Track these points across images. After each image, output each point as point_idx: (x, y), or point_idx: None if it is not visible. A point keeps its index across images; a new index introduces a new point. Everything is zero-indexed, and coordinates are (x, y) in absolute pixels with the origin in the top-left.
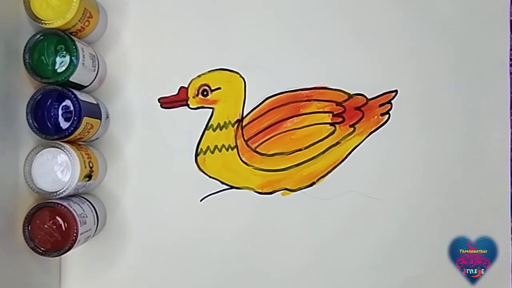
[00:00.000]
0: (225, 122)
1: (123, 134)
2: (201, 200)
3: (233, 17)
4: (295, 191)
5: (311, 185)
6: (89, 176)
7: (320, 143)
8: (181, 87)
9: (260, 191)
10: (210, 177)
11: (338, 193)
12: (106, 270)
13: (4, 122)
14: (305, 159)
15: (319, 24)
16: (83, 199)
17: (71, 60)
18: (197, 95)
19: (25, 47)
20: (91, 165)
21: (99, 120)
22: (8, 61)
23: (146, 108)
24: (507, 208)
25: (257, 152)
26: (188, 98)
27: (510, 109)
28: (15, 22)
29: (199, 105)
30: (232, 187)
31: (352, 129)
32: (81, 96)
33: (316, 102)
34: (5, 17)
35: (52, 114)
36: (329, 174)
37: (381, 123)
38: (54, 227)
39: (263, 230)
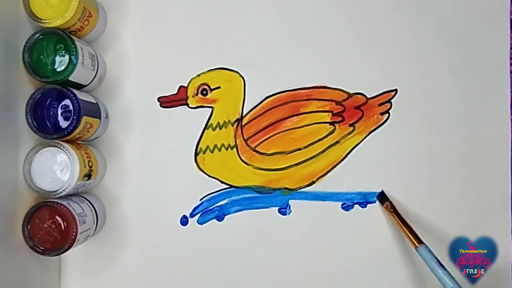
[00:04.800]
0: (224, 122)
1: (122, 133)
2: (200, 200)
3: (233, 17)
4: (294, 191)
5: (310, 184)
6: (88, 176)
7: (320, 142)
8: (181, 86)
9: (260, 190)
10: (209, 176)
11: (338, 192)
12: (105, 269)
13: (3, 121)
14: (304, 158)
15: (318, 23)
16: (82, 198)
17: (70, 59)
18: (197, 94)
19: (25, 46)
20: (90, 165)
21: (98, 120)
22: (8, 60)
23: (146, 107)
24: (507, 208)
25: (256, 152)
26: (188, 97)
27: (510, 109)
28: (14, 21)
29: (199, 104)
30: (231, 187)
31: (351, 128)
32: (81, 95)
33: (315, 101)
34: (5, 16)
35: (51, 113)
36: (329, 174)
37: (380, 122)
38: (54, 226)
39: (263, 229)
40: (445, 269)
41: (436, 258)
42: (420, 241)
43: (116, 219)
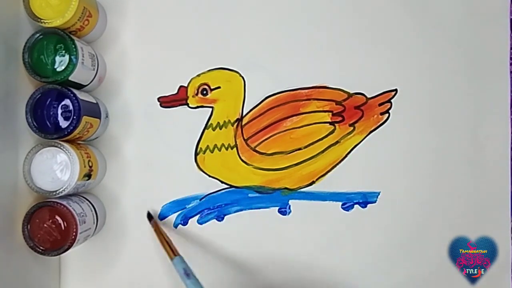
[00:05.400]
0: (224, 121)
1: (122, 133)
2: (200, 200)
3: (233, 16)
4: (294, 191)
5: (310, 184)
6: (88, 175)
7: (320, 142)
8: (181, 86)
9: (260, 190)
10: (209, 176)
11: (338, 192)
12: (105, 269)
13: (3, 121)
14: (304, 158)
15: (318, 23)
16: (82, 198)
17: (70, 59)
18: (197, 94)
19: (25, 46)
20: (90, 164)
21: (98, 119)
22: (8, 60)
23: (146, 107)
24: (507, 208)
25: (256, 151)
26: (188, 97)
27: (510, 109)
28: (14, 21)
29: (199, 104)
30: (231, 187)
31: (351, 128)
32: (81, 95)
33: (315, 101)
34: (5, 16)
35: (51, 113)
36: (329, 174)
37: (380, 122)
38: (54, 226)
39: (263, 229)
40: (190, 276)
41: (184, 269)
42: (175, 254)
43: (116, 219)
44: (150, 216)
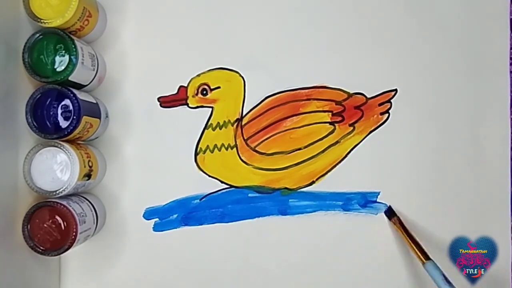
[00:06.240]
0: (224, 121)
1: (122, 133)
2: (200, 200)
3: (233, 16)
4: (294, 191)
5: (310, 184)
6: (88, 175)
7: (320, 142)
8: (181, 86)
9: (260, 190)
10: (209, 176)
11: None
12: (105, 269)
13: (3, 121)
14: (304, 158)
15: (318, 23)
16: (82, 198)
17: (70, 59)
18: (197, 94)
19: (25, 46)
20: (90, 164)
21: (98, 119)
22: (8, 60)
23: (146, 107)
24: (507, 208)
25: (256, 151)
26: (188, 97)
27: (510, 109)
28: (14, 21)
29: (199, 104)
30: (231, 186)
31: (351, 128)
32: (81, 95)
33: (315, 101)
34: (5, 16)
35: (51, 113)
36: (329, 173)
37: (380, 122)
38: (54, 226)
39: (263, 230)
40: (451, 285)
41: (443, 275)
42: (428, 257)
43: (116, 219)
44: (392, 212)
